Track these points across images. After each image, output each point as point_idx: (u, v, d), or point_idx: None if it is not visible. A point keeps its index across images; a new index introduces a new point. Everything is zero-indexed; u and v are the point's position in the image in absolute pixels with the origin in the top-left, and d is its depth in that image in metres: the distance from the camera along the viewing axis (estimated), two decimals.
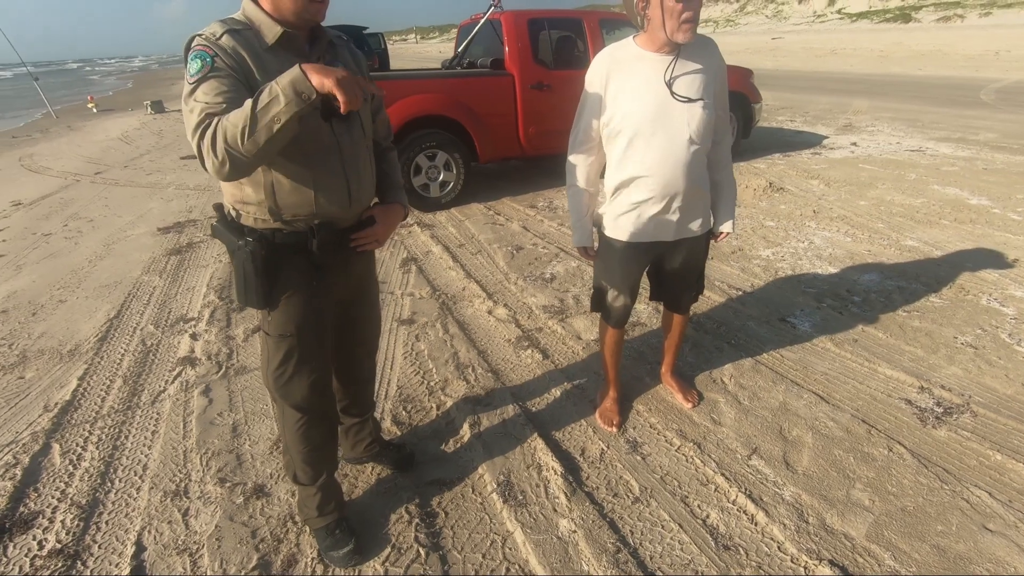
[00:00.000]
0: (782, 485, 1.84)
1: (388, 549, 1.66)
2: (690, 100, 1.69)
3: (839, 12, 38.17)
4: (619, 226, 1.90)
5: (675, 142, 1.72)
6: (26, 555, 1.70)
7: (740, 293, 3.16)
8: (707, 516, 1.74)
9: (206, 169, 1.20)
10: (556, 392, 2.37)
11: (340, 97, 1.14)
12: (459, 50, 5.56)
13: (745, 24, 41.65)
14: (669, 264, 2.01)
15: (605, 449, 2.04)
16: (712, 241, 2.02)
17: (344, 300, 1.62)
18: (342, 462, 1.97)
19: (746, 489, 1.83)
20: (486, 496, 1.85)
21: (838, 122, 8.41)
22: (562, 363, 2.58)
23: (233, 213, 1.40)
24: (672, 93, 1.69)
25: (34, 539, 1.76)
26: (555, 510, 1.78)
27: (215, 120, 1.17)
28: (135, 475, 2.01)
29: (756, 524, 1.71)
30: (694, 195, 1.83)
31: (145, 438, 2.19)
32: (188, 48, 1.26)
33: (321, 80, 1.14)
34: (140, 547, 1.72)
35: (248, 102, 1.15)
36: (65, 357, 2.82)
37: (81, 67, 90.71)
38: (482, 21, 5.22)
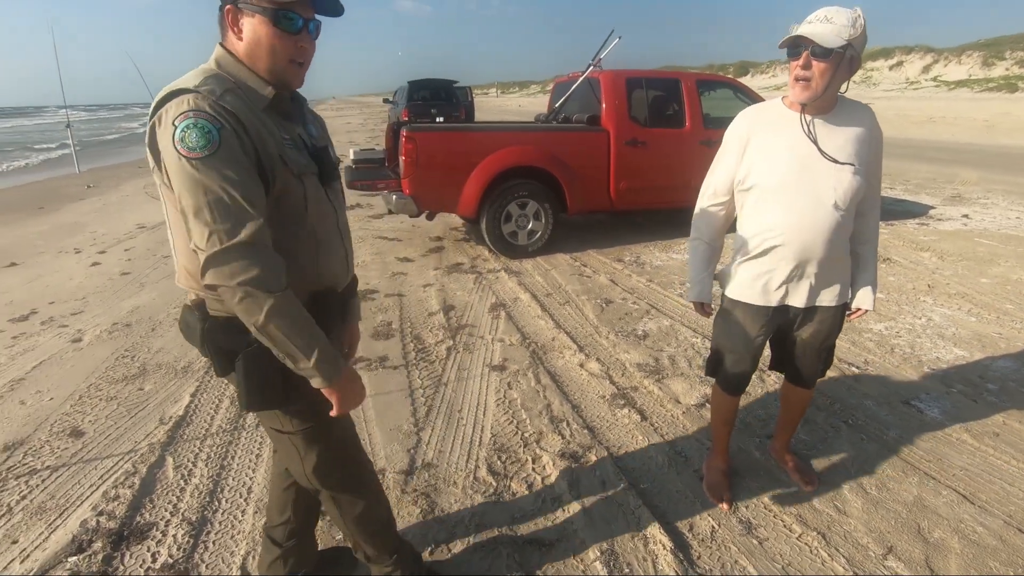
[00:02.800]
0: None
1: None
2: (839, 163, 1.62)
3: (935, 79, 36.69)
4: (745, 287, 1.81)
5: (817, 205, 1.64)
6: (140, 566, 1.76)
7: (853, 369, 2.93)
8: None
9: (217, 276, 1.04)
10: (657, 457, 2.25)
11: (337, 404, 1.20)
12: (556, 105, 5.74)
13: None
14: (797, 333, 1.89)
15: (716, 527, 1.89)
16: (847, 317, 1.89)
17: None
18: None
19: None
20: (588, 564, 1.75)
21: (944, 192, 7.92)
22: (661, 427, 2.46)
23: (225, 310, 1.17)
24: (820, 151, 1.62)
25: (148, 551, 1.82)
26: None
27: (237, 269, 1.02)
28: (240, 497, 2.06)
29: None
30: (831, 263, 1.73)
31: (250, 460, 2.26)
32: (169, 108, 1.04)
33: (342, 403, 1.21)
34: (245, 572, 1.73)
35: (298, 327, 1.08)
36: (179, 373, 2.99)
37: None
38: (580, 79, 5.38)
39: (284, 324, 1.07)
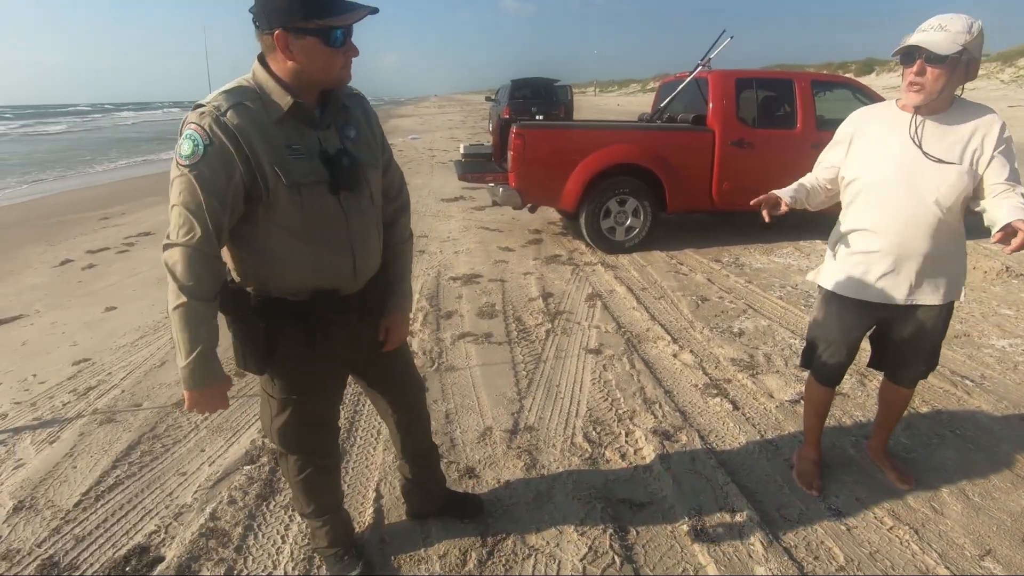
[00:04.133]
0: None
1: (585, 550, 1.80)
2: (943, 162, 1.66)
3: None
4: (842, 280, 1.88)
5: (917, 202, 1.69)
6: None
7: (967, 382, 2.82)
8: None
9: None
10: (747, 444, 2.35)
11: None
12: (661, 105, 5.80)
13: (973, 89, 36.30)
14: (897, 331, 1.93)
15: (804, 510, 1.97)
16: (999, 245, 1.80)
17: (361, 360, 1.59)
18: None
19: None
20: (676, 526, 1.91)
21: None
22: (754, 417, 2.54)
23: (235, 276, 1.38)
24: (923, 152, 1.67)
25: None
26: (750, 556, 1.78)
27: (176, 261, 1.21)
28: (372, 437, 2.42)
29: None
30: (933, 261, 1.75)
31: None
32: (186, 118, 1.22)
33: (189, 404, 1.33)
34: (378, 494, 2.07)
35: (181, 327, 1.23)
36: None
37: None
38: (688, 79, 5.41)
39: (181, 323, 1.23)
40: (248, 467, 2.21)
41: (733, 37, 5.33)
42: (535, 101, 14.49)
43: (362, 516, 1.96)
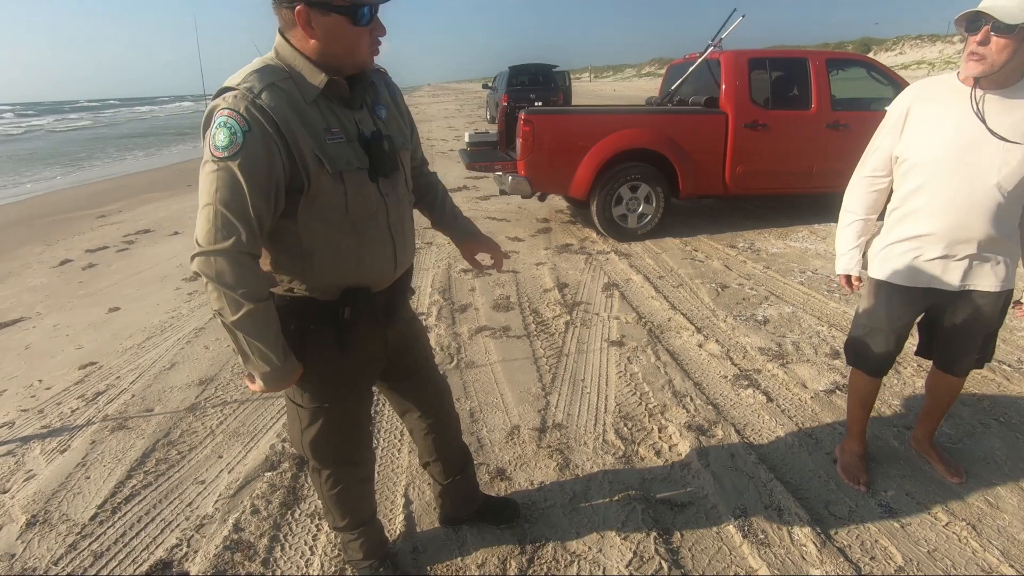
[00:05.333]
0: None
1: (630, 555, 1.72)
2: (1008, 141, 1.55)
3: None
4: (892, 266, 1.78)
5: (975, 184, 1.58)
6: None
7: (1005, 367, 2.74)
8: None
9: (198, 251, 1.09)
10: (786, 437, 2.26)
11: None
12: (672, 88, 5.66)
13: None
14: (949, 318, 1.83)
15: (853, 507, 1.89)
16: (1013, 310, 1.79)
17: (389, 362, 1.48)
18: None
19: None
20: (722, 527, 1.83)
21: None
22: (789, 409, 2.45)
23: (279, 291, 1.27)
24: (988, 128, 1.56)
25: None
26: (803, 558, 1.70)
27: (223, 270, 1.08)
28: (395, 439, 2.33)
29: None
30: (992, 246, 1.65)
31: None
32: (215, 105, 1.09)
33: (260, 390, 1.22)
34: (408, 500, 1.98)
35: (242, 327, 1.12)
36: None
37: None
38: (699, 60, 5.27)
39: (254, 331, 1.13)
40: (269, 473, 2.12)
41: (745, 16, 5.18)
42: (533, 88, 14.31)
43: (392, 524, 1.88)
